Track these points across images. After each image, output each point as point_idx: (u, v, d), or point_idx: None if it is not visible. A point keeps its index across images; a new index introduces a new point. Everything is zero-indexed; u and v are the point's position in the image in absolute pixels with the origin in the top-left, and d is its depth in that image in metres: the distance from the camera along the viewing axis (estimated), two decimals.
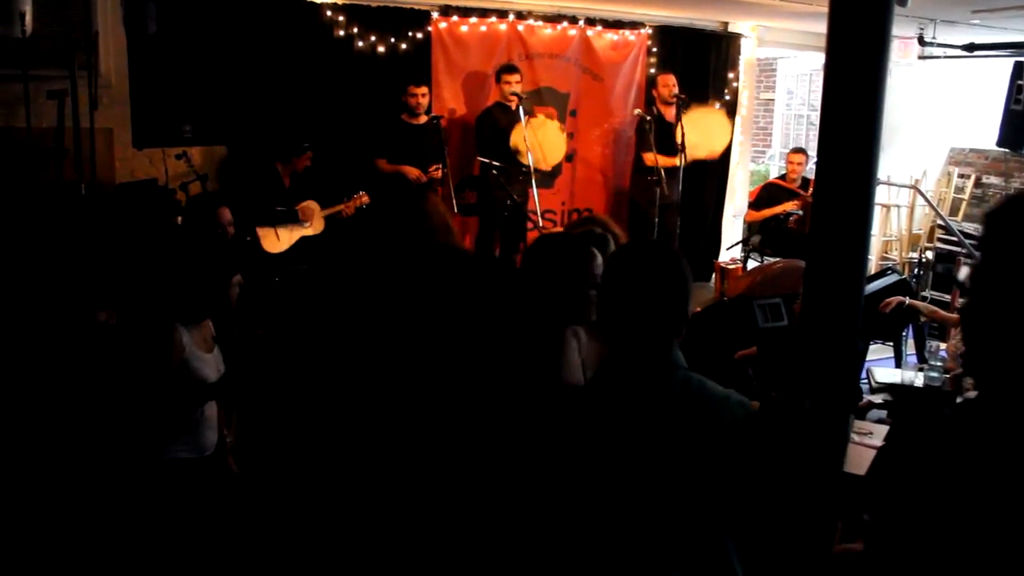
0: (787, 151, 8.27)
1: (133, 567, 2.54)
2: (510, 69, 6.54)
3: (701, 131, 6.99)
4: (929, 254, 8.65)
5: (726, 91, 8.09)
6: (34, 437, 2.15)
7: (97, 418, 2.23)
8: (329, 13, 6.33)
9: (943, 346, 4.54)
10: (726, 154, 8.18)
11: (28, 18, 4.81)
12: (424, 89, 6.25)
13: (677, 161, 6.75)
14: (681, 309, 1.77)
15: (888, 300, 4.57)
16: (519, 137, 6.32)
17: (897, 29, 7.67)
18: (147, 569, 2.57)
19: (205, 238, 3.87)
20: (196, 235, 4.08)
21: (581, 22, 7.28)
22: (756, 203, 7.62)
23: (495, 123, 6.47)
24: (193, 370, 2.86)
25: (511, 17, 7.01)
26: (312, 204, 5.84)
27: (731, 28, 8.16)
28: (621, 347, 1.81)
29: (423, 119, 6.24)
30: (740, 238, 8.10)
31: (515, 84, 6.45)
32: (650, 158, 6.74)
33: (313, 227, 5.81)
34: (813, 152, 7.92)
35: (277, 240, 5.68)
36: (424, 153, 6.15)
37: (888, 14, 1.29)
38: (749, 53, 8.35)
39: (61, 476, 2.23)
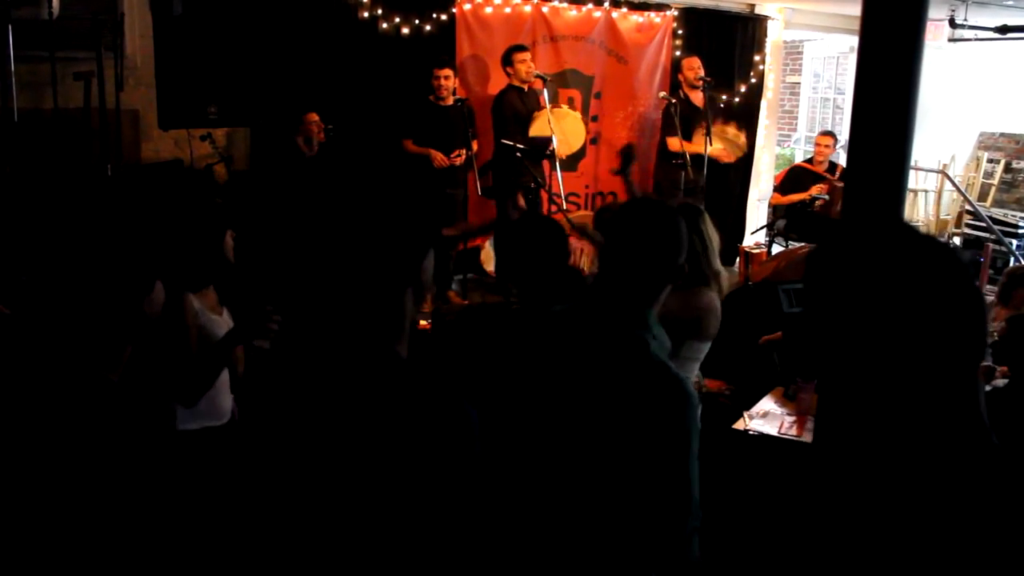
0: (813, 135, 8.19)
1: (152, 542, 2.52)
2: (519, 47, 6.39)
3: (719, 142, 6.96)
4: (957, 240, 8.56)
5: (752, 74, 8.01)
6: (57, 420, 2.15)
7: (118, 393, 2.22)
8: None
9: None
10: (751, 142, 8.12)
11: (55, 0, 4.84)
12: (448, 71, 6.19)
13: (702, 148, 6.69)
14: (651, 263, 1.77)
15: None
16: (543, 125, 6.27)
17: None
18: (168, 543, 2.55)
19: (192, 204, 3.82)
20: (183, 203, 4.08)
21: (606, 4, 7.22)
22: (782, 186, 7.55)
23: (514, 108, 6.35)
24: (210, 335, 2.82)
25: None
26: None
27: (757, 10, 8.06)
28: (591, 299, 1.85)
29: (449, 101, 6.20)
30: (765, 222, 8.04)
31: (530, 62, 6.34)
32: (675, 143, 6.69)
33: None
34: (839, 136, 7.86)
35: None
36: (451, 134, 6.13)
37: None
38: (775, 35, 8.25)
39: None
